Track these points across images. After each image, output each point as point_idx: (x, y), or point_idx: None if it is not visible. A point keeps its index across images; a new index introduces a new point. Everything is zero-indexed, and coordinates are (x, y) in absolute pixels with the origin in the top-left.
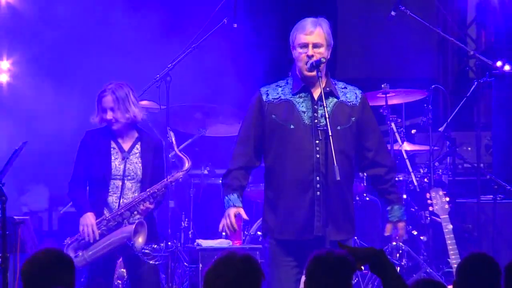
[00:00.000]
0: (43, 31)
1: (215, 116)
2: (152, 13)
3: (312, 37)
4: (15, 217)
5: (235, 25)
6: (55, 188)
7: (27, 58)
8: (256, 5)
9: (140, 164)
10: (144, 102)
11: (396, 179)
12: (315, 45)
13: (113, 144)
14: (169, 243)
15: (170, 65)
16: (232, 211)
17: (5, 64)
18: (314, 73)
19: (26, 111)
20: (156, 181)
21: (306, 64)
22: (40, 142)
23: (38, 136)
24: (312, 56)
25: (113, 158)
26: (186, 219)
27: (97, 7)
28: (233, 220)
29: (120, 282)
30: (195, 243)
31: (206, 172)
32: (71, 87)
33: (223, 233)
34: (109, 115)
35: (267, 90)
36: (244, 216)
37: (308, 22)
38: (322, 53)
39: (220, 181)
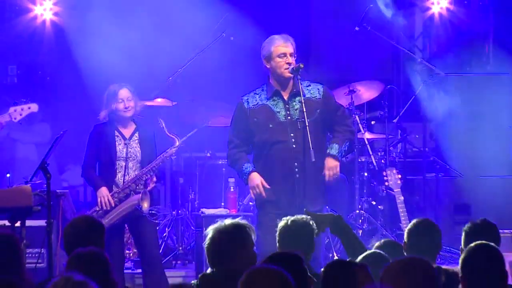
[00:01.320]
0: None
1: (215, 110)
2: (167, 30)
3: (288, 48)
4: (58, 190)
5: (232, 38)
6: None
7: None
8: (247, 22)
9: (138, 148)
10: (159, 100)
11: (359, 160)
12: (291, 54)
13: (116, 133)
14: (180, 211)
15: (180, 69)
16: (252, 175)
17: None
18: (292, 75)
19: (66, 109)
20: (151, 160)
21: (287, 69)
22: (76, 131)
23: (75, 127)
24: (291, 63)
25: (117, 143)
26: (193, 192)
27: (124, 28)
28: (259, 185)
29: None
30: (200, 211)
31: (208, 155)
32: (102, 88)
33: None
34: (126, 104)
35: (247, 99)
36: (258, 184)
37: (281, 37)
38: (294, 60)
39: (221, 162)
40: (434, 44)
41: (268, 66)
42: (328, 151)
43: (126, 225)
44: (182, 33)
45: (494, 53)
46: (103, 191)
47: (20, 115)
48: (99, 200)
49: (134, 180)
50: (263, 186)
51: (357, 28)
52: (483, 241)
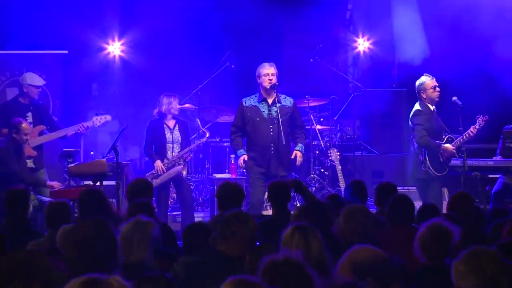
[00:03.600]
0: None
1: (222, 111)
2: (192, 60)
3: (271, 70)
4: (123, 162)
5: (233, 66)
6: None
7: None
8: (242, 55)
9: (179, 135)
10: (187, 105)
11: (313, 143)
12: (272, 75)
13: (165, 125)
14: (199, 175)
15: (200, 86)
16: (243, 156)
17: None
18: (272, 88)
19: (128, 111)
20: (187, 144)
21: (268, 85)
22: (135, 125)
23: (136, 121)
24: (271, 80)
25: (166, 132)
26: (208, 163)
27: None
28: (242, 160)
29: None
30: (212, 175)
31: (217, 139)
32: (151, 96)
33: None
34: (178, 106)
35: (245, 100)
36: (245, 157)
37: (267, 64)
38: (275, 79)
39: (225, 144)
40: (360, 70)
41: (259, 81)
42: (297, 148)
43: (171, 184)
44: (202, 62)
45: (398, 76)
46: (158, 163)
47: (99, 122)
48: (155, 168)
49: (178, 156)
50: (244, 160)
51: (311, 60)
52: (399, 194)
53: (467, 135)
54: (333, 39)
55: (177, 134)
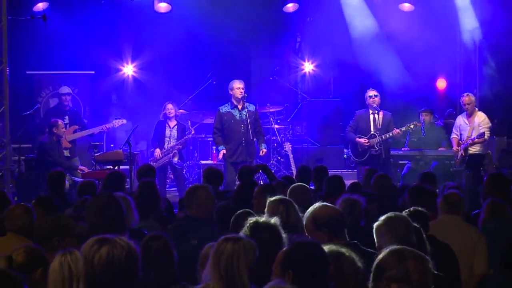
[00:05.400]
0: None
1: (206, 115)
2: (182, 77)
3: (241, 85)
4: (134, 152)
5: (214, 82)
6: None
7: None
8: (222, 74)
9: (176, 133)
10: (181, 110)
11: (273, 138)
12: (242, 88)
13: (167, 125)
14: (189, 162)
15: (190, 97)
16: (222, 151)
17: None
18: (242, 98)
19: (138, 115)
20: (182, 137)
21: (240, 96)
22: (143, 125)
23: (144, 122)
24: (242, 92)
25: (166, 130)
26: (196, 153)
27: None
28: (221, 154)
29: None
30: (199, 162)
31: (203, 136)
32: (155, 104)
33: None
34: (170, 111)
35: (221, 108)
36: (224, 152)
37: (237, 80)
38: (243, 90)
39: (209, 139)
40: (306, 85)
41: (231, 93)
42: (262, 146)
43: (168, 166)
44: (192, 78)
45: (334, 88)
46: (157, 150)
47: (118, 123)
48: (155, 154)
49: (172, 147)
50: (223, 154)
51: (271, 78)
52: (334, 175)
53: (384, 136)
54: (286, 63)
55: (174, 132)
